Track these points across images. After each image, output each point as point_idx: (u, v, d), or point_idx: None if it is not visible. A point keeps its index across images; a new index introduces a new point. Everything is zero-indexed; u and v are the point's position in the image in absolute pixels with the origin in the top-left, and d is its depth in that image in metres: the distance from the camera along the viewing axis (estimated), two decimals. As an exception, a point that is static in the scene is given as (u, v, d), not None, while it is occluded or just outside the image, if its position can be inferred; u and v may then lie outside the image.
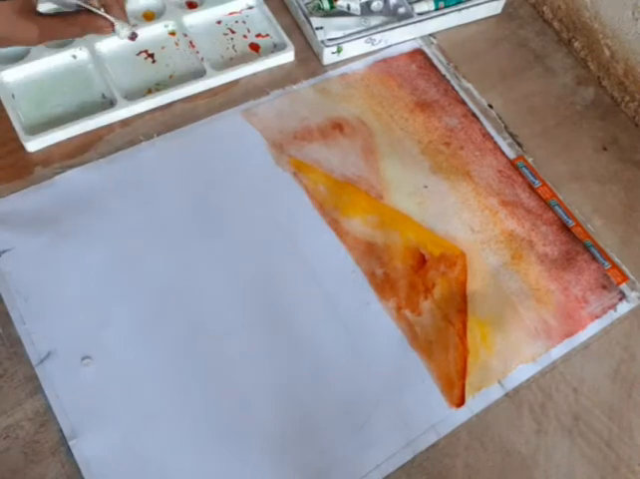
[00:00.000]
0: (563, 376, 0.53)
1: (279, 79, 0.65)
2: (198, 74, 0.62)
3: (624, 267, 0.58)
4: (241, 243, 0.55)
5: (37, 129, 0.58)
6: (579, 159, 0.65)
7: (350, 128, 0.62)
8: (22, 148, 0.57)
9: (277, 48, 0.66)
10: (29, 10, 0.51)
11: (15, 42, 0.55)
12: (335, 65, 0.67)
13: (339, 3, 0.67)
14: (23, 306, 0.50)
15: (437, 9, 0.69)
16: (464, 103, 0.66)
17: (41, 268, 0.52)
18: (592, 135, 0.66)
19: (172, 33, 0.65)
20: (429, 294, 0.55)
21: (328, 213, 0.58)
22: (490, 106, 0.66)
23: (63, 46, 0.62)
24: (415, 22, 0.68)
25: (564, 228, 0.60)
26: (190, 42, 0.64)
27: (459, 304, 0.55)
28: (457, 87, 0.67)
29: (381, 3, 0.68)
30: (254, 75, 0.64)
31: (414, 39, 0.69)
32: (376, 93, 0.65)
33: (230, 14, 0.68)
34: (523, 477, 0.49)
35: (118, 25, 0.54)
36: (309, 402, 0.49)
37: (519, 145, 0.64)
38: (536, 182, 0.62)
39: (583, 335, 0.54)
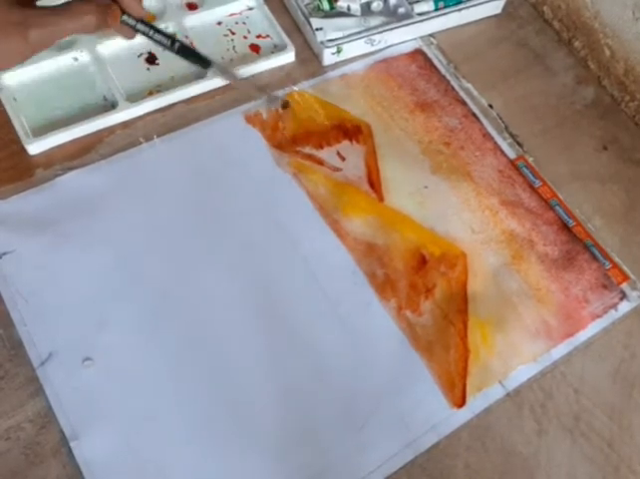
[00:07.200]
0: (564, 376, 0.53)
1: (279, 80, 0.65)
2: (199, 75, 0.63)
3: (625, 267, 0.58)
4: (242, 245, 0.55)
5: (38, 131, 0.58)
6: (580, 158, 0.65)
7: (350, 129, 0.63)
8: (23, 150, 0.57)
9: (277, 49, 0.66)
10: None
11: None
12: (335, 65, 0.67)
13: (339, 4, 0.67)
14: (24, 308, 0.50)
15: (436, 9, 0.69)
16: (464, 103, 0.66)
17: (42, 270, 0.52)
18: (592, 134, 0.66)
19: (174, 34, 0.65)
20: (429, 295, 0.55)
21: (328, 213, 0.58)
22: (491, 106, 0.66)
23: (64, 48, 0.62)
24: (415, 22, 0.68)
25: (565, 227, 0.60)
26: (191, 43, 0.64)
27: (459, 305, 0.55)
28: (457, 87, 0.67)
29: (381, 3, 0.68)
30: (254, 76, 0.64)
31: (414, 39, 0.69)
32: (376, 93, 0.65)
33: (230, 15, 0.68)
34: (524, 477, 0.49)
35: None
36: (309, 402, 0.49)
37: (520, 145, 0.64)
38: (537, 181, 0.62)
39: (584, 335, 0.54)
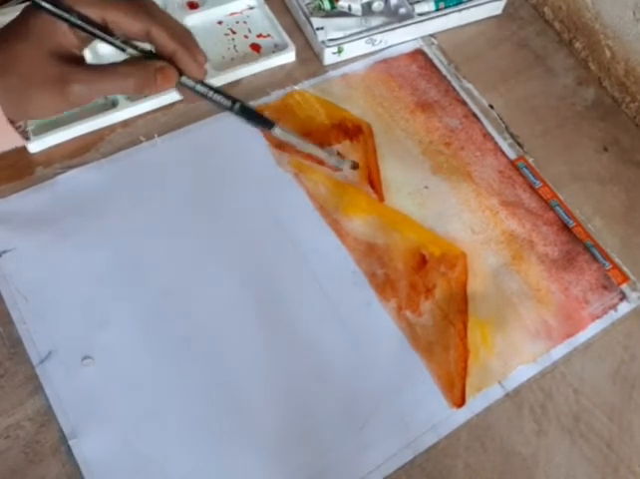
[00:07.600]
0: (564, 377, 0.53)
1: (280, 79, 0.65)
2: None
3: (625, 268, 0.58)
4: (242, 244, 0.55)
5: (39, 130, 0.58)
6: (580, 159, 0.65)
7: (351, 128, 0.63)
8: (23, 148, 0.57)
9: (278, 48, 0.66)
10: None
11: None
12: (336, 65, 0.67)
13: (340, 3, 0.67)
14: (24, 306, 0.50)
15: (437, 10, 0.69)
16: (464, 103, 0.66)
17: (42, 268, 0.52)
18: (593, 135, 0.66)
19: (174, 34, 0.65)
20: (429, 295, 0.55)
21: (329, 213, 0.58)
22: (491, 106, 0.66)
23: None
24: (415, 22, 0.68)
25: (565, 228, 0.60)
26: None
27: (459, 305, 0.55)
28: (457, 87, 0.67)
29: (382, 3, 0.68)
30: (255, 75, 0.65)
31: (414, 39, 0.69)
32: (376, 93, 0.65)
33: (231, 14, 0.68)
34: (524, 478, 0.49)
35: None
36: (309, 402, 0.49)
37: (520, 145, 0.64)
38: (537, 182, 0.62)
39: (584, 336, 0.54)
